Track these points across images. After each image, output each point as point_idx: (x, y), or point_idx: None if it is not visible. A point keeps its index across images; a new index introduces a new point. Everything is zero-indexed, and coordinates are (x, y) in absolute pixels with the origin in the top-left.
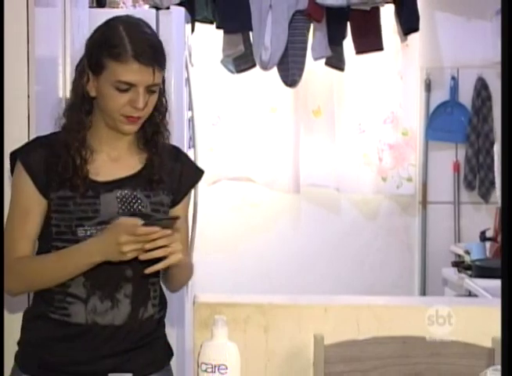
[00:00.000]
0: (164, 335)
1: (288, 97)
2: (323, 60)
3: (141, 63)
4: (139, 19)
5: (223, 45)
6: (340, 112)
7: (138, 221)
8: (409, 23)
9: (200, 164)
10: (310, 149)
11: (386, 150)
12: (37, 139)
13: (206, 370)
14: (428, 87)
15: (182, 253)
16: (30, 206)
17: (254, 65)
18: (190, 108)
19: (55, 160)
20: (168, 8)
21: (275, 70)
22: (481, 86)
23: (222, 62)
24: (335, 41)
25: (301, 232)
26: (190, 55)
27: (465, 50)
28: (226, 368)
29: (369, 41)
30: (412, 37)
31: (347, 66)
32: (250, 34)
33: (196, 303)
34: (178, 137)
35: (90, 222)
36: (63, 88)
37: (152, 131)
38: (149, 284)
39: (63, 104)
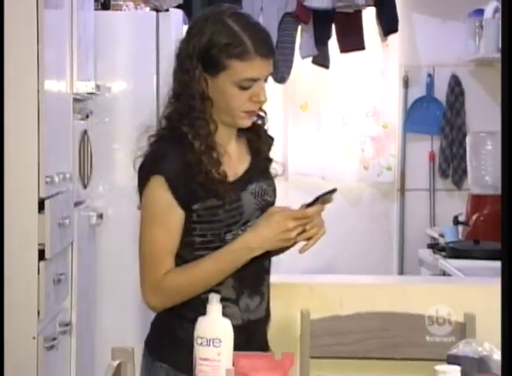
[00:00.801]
0: None
1: (277, 93)
2: (310, 59)
3: (263, 57)
4: (240, 9)
5: None
6: (326, 106)
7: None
8: (388, 24)
9: None
10: (298, 140)
11: (368, 142)
12: (165, 150)
13: (201, 344)
14: (406, 83)
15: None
16: (173, 221)
17: None
18: None
19: (192, 170)
20: (167, 10)
21: None
22: (455, 83)
23: None
24: (321, 41)
25: None
26: None
27: (440, 49)
28: (220, 342)
29: (353, 41)
30: (392, 37)
31: (332, 64)
32: None
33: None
34: None
35: (236, 225)
36: (70, 86)
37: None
38: (266, 279)
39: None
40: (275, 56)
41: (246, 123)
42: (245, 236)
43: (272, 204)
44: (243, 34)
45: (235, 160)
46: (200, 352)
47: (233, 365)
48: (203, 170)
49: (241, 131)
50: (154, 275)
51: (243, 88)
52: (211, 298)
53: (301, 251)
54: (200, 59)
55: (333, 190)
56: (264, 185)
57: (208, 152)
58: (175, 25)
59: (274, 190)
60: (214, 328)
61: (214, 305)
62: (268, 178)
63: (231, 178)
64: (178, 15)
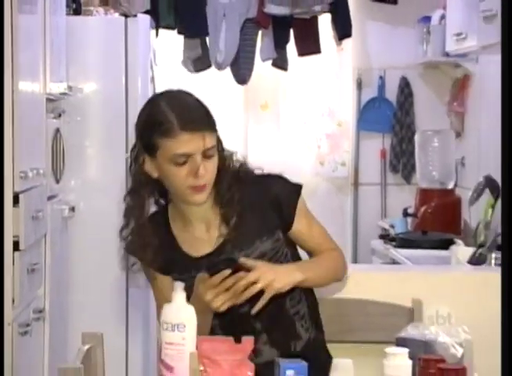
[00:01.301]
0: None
1: (239, 93)
2: (270, 61)
3: (190, 132)
4: (179, 90)
5: (183, 48)
6: (285, 106)
7: (205, 274)
8: (343, 30)
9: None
10: (258, 138)
11: (323, 139)
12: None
13: (167, 329)
14: (359, 85)
15: (276, 282)
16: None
17: (210, 66)
18: None
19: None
20: (135, 15)
21: (228, 70)
22: (404, 84)
23: (182, 63)
24: (280, 44)
25: None
26: (154, 56)
27: (391, 53)
28: (184, 327)
29: (309, 45)
30: (346, 42)
31: (290, 67)
32: (207, 38)
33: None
34: None
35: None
36: (43, 86)
37: (225, 190)
38: (286, 318)
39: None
40: (209, 129)
41: (198, 198)
42: (191, 300)
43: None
44: (170, 113)
45: (208, 234)
46: (166, 336)
47: (196, 348)
48: (152, 245)
49: (223, 203)
50: None
51: (179, 165)
52: (176, 286)
53: (252, 311)
54: (140, 141)
55: (231, 259)
56: (236, 256)
57: (140, 232)
58: (143, 30)
59: (255, 254)
60: (179, 314)
61: (179, 293)
62: (250, 246)
63: (194, 253)
64: (145, 20)
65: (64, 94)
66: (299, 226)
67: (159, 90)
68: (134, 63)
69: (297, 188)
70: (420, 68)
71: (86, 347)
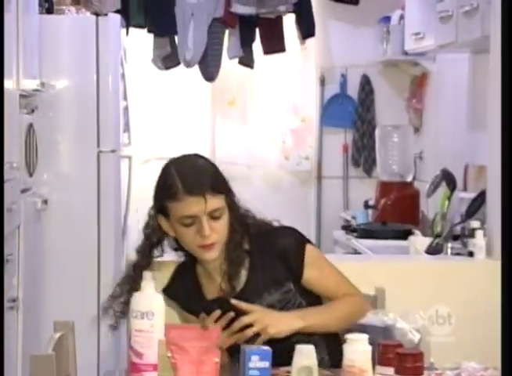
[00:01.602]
0: None
1: (207, 90)
2: (237, 59)
3: (192, 195)
4: (190, 155)
5: (153, 47)
6: (251, 102)
7: (203, 315)
8: (306, 29)
9: (133, 146)
10: (225, 132)
11: (288, 134)
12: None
13: (136, 317)
14: (322, 82)
15: (271, 328)
16: None
17: (178, 63)
18: (125, 98)
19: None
20: (106, 15)
21: (196, 67)
22: (365, 82)
23: (152, 60)
24: (246, 43)
25: None
26: (125, 54)
27: (352, 52)
28: (153, 315)
29: (274, 44)
30: (310, 41)
31: (256, 65)
32: (176, 37)
33: (127, 261)
34: (115, 123)
35: None
36: (17, 83)
37: (231, 250)
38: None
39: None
40: (212, 192)
41: (208, 256)
42: None
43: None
44: (176, 176)
45: (221, 285)
46: (135, 324)
47: (165, 336)
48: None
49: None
50: None
51: (187, 226)
52: (145, 275)
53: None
54: (155, 203)
55: (224, 300)
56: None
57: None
58: (113, 28)
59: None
60: (148, 303)
61: (148, 282)
62: (258, 298)
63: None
64: (116, 19)
65: (37, 90)
66: (309, 277)
67: (129, 87)
68: (105, 61)
69: (302, 240)
70: (380, 66)
71: (58, 335)
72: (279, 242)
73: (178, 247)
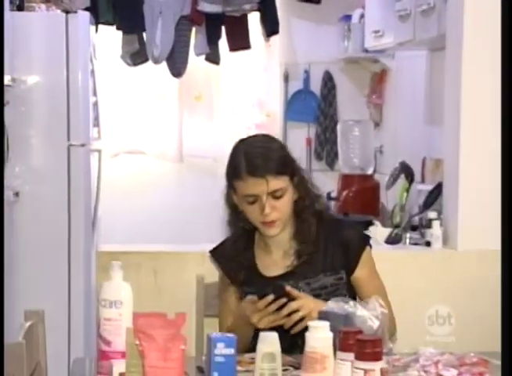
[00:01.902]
0: None
1: (175, 85)
2: (203, 56)
3: (254, 176)
4: (261, 135)
5: (122, 43)
6: (217, 97)
7: (254, 297)
8: (270, 27)
9: (103, 140)
10: (193, 127)
11: (253, 129)
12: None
13: (105, 306)
14: (286, 78)
15: (315, 313)
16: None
17: (147, 59)
18: (95, 94)
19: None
20: (76, 12)
21: (164, 63)
22: (328, 78)
23: (121, 57)
24: (212, 40)
25: (185, 193)
26: (94, 51)
27: (315, 49)
28: (121, 303)
29: (240, 41)
30: (274, 38)
31: (222, 61)
32: (144, 34)
33: (97, 252)
34: (84, 117)
35: None
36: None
37: (299, 224)
38: None
39: None
40: (273, 174)
41: (270, 232)
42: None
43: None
44: (242, 157)
45: (282, 260)
46: (104, 313)
47: (132, 324)
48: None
49: (299, 238)
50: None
51: (250, 203)
52: (113, 266)
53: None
54: (227, 180)
55: (280, 286)
56: (302, 284)
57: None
58: (83, 25)
59: (317, 290)
60: (116, 292)
61: (116, 272)
62: (317, 279)
63: (269, 273)
64: (85, 16)
65: (8, 86)
66: (359, 274)
67: (99, 82)
68: (74, 57)
69: (366, 239)
70: (342, 63)
71: (28, 324)
72: (347, 233)
73: (241, 223)
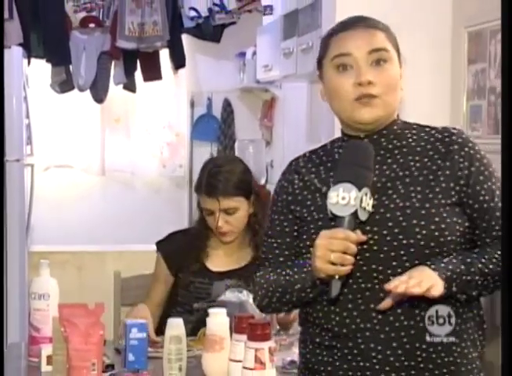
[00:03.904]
0: None
1: (97, 110)
2: (121, 85)
3: (209, 196)
4: (230, 157)
5: (51, 74)
6: (134, 120)
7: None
8: (178, 61)
9: (35, 156)
10: (113, 145)
11: (165, 147)
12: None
13: (35, 298)
14: (192, 104)
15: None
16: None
17: (73, 88)
18: (28, 116)
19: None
20: (10, 47)
21: (88, 91)
22: (227, 104)
23: (51, 85)
24: (129, 72)
25: (109, 202)
26: (27, 80)
27: (216, 80)
28: (49, 296)
29: (152, 73)
30: (181, 70)
31: (138, 89)
32: (70, 66)
33: (29, 252)
34: (18, 137)
35: (204, 300)
36: None
37: (251, 235)
38: None
39: None
40: (223, 195)
41: (224, 239)
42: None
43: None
44: (204, 176)
45: (229, 258)
46: (34, 304)
47: (58, 313)
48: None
49: (250, 245)
50: None
51: (208, 214)
52: (41, 263)
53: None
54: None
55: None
56: (243, 285)
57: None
58: (16, 59)
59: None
60: (44, 286)
61: (44, 269)
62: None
63: (215, 268)
64: (18, 51)
65: None
66: None
67: (31, 107)
68: (9, 86)
69: None
70: (239, 92)
71: None
72: None
73: (203, 224)
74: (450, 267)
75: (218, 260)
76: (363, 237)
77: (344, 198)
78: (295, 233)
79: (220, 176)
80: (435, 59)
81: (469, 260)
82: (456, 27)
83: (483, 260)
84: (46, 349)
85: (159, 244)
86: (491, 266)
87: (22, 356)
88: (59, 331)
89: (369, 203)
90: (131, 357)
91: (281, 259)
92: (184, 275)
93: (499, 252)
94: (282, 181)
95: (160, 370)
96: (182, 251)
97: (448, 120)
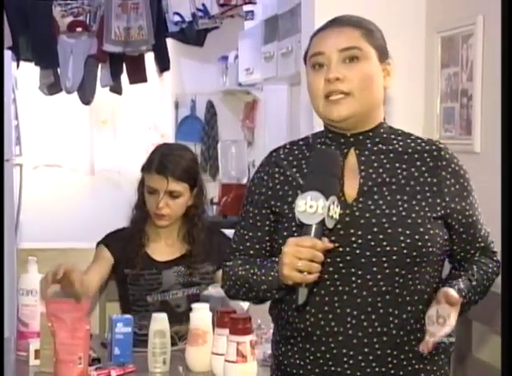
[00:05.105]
0: None
1: (85, 112)
2: (108, 87)
3: (159, 174)
4: (181, 145)
5: (39, 77)
6: (120, 122)
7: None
8: (163, 64)
9: (24, 155)
10: (101, 145)
11: (150, 147)
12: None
13: (23, 294)
14: (177, 106)
15: None
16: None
17: (61, 90)
18: (16, 118)
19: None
20: None
21: (76, 93)
22: (210, 106)
23: (39, 88)
24: (115, 74)
25: (96, 199)
26: (16, 82)
27: (199, 83)
28: (36, 292)
29: (138, 75)
30: (166, 73)
31: (124, 91)
32: (58, 69)
33: (17, 249)
34: (7, 137)
35: (156, 291)
36: None
37: (188, 226)
38: None
39: None
40: (174, 177)
41: (159, 223)
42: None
43: (197, 283)
44: (157, 156)
45: (171, 248)
46: (22, 300)
47: (46, 309)
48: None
49: (186, 234)
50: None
51: (150, 193)
52: (30, 260)
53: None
54: (141, 172)
55: None
56: (192, 269)
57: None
58: (6, 62)
59: (204, 274)
60: (33, 282)
61: (32, 266)
62: (202, 266)
63: (160, 258)
64: (7, 55)
65: None
66: None
67: (20, 109)
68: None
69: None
70: (221, 94)
71: None
72: (219, 237)
73: (142, 208)
74: (466, 291)
75: (161, 250)
76: (330, 245)
77: (311, 207)
78: (267, 228)
79: (172, 158)
80: (410, 63)
81: (474, 283)
82: (430, 33)
83: (485, 276)
84: (34, 344)
85: (99, 243)
86: (485, 282)
87: (11, 350)
88: (46, 326)
89: (336, 211)
90: (116, 351)
91: (251, 252)
92: (131, 270)
93: (490, 264)
94: (261, 172)
95: (145, 363)
96: (124, 245)
97: (422, 121)
